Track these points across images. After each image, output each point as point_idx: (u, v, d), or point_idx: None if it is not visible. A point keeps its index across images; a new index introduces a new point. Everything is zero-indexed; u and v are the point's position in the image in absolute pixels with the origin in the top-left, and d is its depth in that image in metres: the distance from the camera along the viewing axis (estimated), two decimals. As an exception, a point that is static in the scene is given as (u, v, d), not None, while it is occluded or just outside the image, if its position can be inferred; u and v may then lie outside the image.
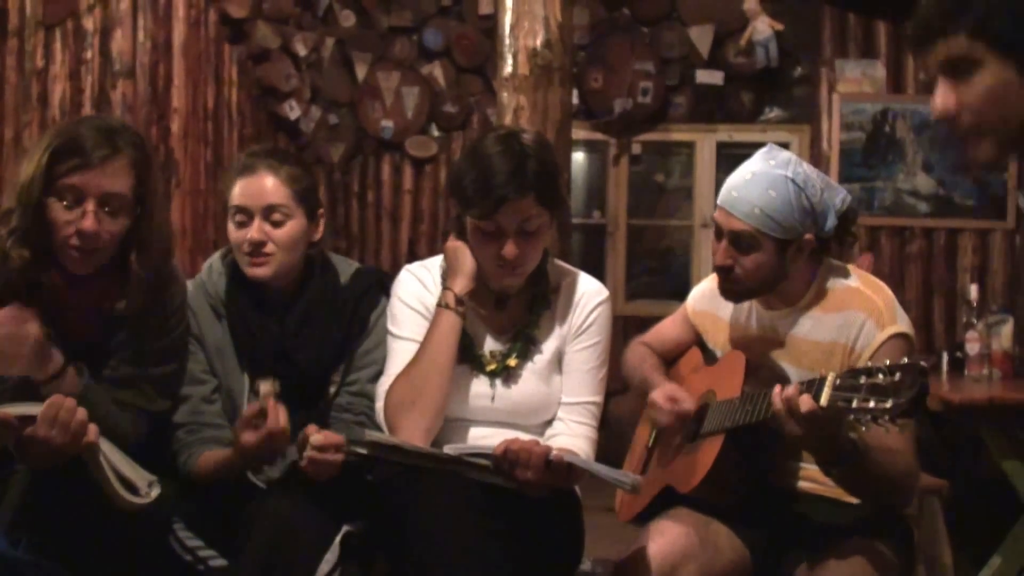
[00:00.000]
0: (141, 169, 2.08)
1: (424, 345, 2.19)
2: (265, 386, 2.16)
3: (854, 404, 1.79)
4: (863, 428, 1.84)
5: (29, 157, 2.05)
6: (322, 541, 2.08)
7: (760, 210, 2.10)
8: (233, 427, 2.17)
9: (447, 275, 2.25)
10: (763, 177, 2.13)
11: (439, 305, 2.21)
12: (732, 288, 2.21)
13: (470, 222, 2.19)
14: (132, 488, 1.94)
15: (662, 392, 2.29)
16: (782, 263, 2.14)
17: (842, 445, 1.92)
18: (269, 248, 2.26)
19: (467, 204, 2.17)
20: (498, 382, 2.25)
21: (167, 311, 2.19)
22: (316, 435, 2.07)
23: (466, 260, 2.22)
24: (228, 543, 2.15)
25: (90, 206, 2.01)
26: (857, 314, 2.13)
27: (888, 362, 1.79)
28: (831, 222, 2.16)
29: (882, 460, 1.99)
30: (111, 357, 2.14)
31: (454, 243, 2.25)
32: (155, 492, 1.95)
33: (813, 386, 1.87)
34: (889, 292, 2.19)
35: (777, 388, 1.92)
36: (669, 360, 2.52)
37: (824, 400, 1.83)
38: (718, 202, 2.19)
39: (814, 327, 2.18)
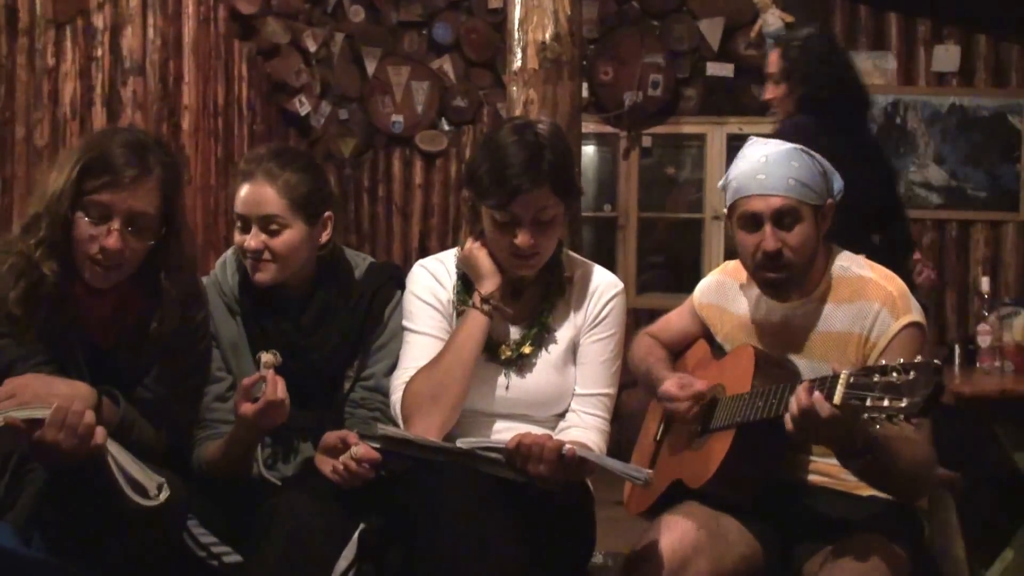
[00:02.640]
0: (169, 189, 2.09)
1: (450, 343, 2.20)
2: (266, 356, 2.16)
3: (868, 403, 1.77)
4: (877, 426, 1.83)
5: (60, 168, 2.06)
6: (340, 538, 2.09)
7: (794, 180, 2.13)
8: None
9: (473, 281, 2.25)
10: (779, 154, 2.16)
11: (469, 306, 2.21)
12: (782, 277, 2.16)
13: (485, 211, 2.20)
14: (141, 490, 1.93)
15: (671, 382, 2.28)
16: (818, 234, 2.18)
17: (859, 438, 1.91)
18: (267, 256, 2.27)
19: (482, 194, 2.18)
20: (512, 372, 2.25)
21: (194, 328, 2.21)
22: (358, 447, 2.10)
23: (483, 262, 2.24)
24: (242, 540, 2.15)
25: (116, 224, 2.02)
26: (871, 304, 2.13)
27: (902, 361, 1.77)
28: (838, 185, 2.24)
29: (900, 450, 1.98)
30: (139, 376, 2.14)
31: (466, 249, 2.27)
32: (164, 495, 1.93)
33: (826, 384, 1.86)
34: (901, 281, 2.19)
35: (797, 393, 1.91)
36: (676, 352, 2.51)
37: (838, 399, 1.82)
38: (746, 193, 2.15)
39: (827, 318, 2.18)
